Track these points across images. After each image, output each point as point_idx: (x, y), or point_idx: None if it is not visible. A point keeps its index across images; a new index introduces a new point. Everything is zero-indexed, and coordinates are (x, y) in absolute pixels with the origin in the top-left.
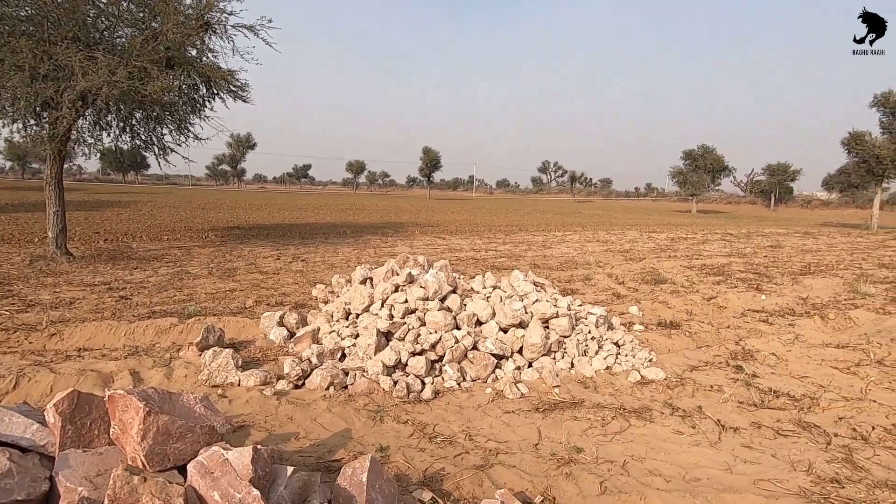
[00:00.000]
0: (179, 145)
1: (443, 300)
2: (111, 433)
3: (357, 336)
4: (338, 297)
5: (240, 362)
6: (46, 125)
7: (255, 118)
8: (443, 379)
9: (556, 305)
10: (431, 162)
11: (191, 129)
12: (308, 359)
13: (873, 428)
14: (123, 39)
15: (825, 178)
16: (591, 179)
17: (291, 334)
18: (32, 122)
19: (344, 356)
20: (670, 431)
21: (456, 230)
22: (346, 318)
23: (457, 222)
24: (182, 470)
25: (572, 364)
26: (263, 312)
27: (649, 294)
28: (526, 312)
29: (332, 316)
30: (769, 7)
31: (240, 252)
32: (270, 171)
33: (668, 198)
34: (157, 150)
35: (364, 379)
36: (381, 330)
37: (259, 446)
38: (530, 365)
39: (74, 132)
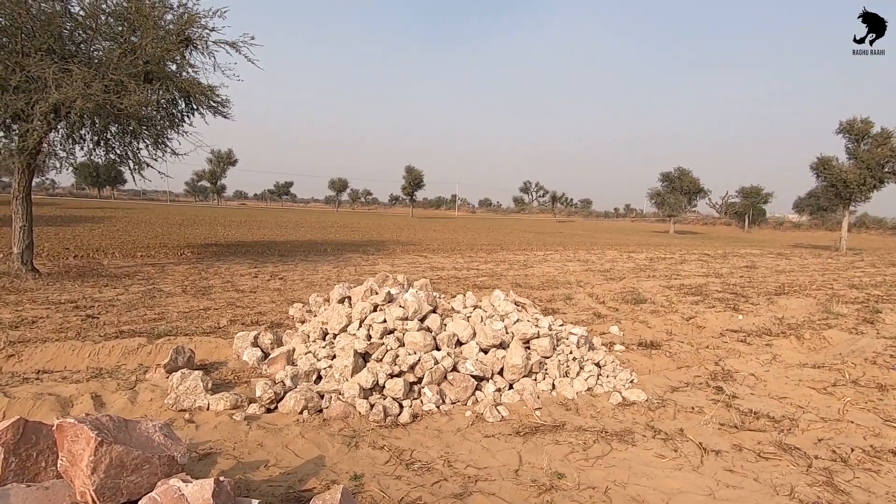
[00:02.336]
0: (156, 160)
1: (422, 320)
2: (59, 465)
3: (334, 357)
4: (315, 316)
5: (210, 385)
6: (16, 137)
7: (237, 134)
8: (421, 402)
9: (536, 325)
10: (414, 180)
11: (168, 144)
12: (282, 381)
13: (852, 450)
14: (101, 52)
15: (796, 201)
16: (571, 200)
17: (266, 355)
18: (1, 133)
19: (320, 378)
20: (652, 455)
21: (438, 249)
22: (323, 339)
23: (439, 241)
24: None
25: (553, 385)
26: (237, 332)
27: (629, 314)
28: (507, 333)
29: (308, 336)
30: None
31: (216, 269)
32: (251, 188)
33: (646, 218)
34: (132, 164)
35: (339, 402)
36: (359, 351)
37: (222, 478)
38: (511, 387)
39: (46, 145)
